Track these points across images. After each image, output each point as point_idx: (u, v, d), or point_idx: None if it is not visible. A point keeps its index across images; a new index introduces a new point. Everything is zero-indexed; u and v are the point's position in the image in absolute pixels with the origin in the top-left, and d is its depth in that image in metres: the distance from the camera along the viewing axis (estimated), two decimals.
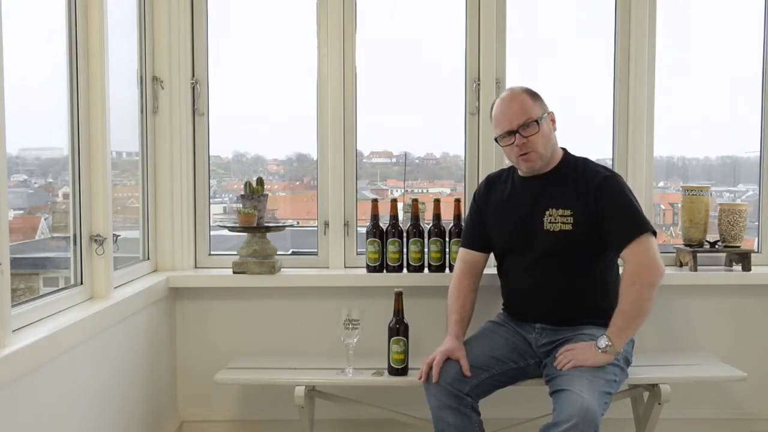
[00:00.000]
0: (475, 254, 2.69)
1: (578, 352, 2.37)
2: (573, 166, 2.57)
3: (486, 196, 2.70)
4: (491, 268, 2.77)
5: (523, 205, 2.57)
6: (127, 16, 2.90)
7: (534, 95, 2.53)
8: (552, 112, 2.56)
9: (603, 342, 2.35)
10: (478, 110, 3.13)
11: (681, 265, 3.12)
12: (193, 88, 3.12)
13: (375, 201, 3.02)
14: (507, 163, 2.74)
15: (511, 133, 2.49)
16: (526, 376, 2.55)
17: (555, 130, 2.57)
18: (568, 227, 2.48)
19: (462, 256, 2.72)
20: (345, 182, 3.16)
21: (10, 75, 1.84)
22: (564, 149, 2.62)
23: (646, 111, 3.16)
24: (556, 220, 2.50)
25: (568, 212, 2.49)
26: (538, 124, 2.48)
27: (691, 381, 2.79)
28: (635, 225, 2.44)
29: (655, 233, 2.46)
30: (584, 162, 2.59)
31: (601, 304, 2.50)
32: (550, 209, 2.51)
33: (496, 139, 2.57)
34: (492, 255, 2.74)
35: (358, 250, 3.19)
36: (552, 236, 2.49)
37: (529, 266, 2.54)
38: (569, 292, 2.51)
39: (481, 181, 2.81)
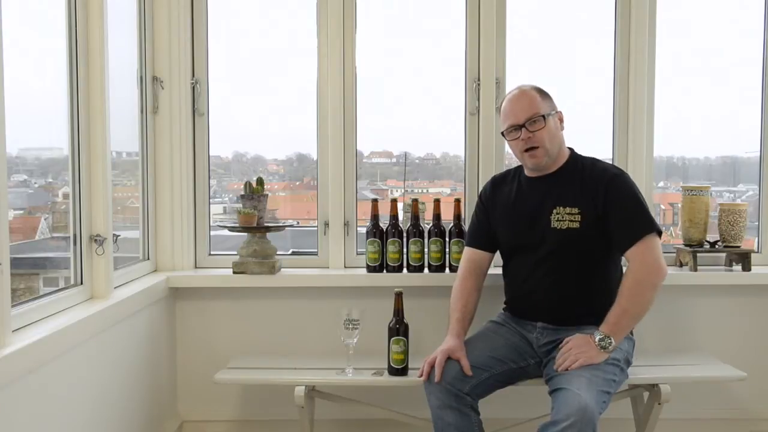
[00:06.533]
0: (481, 253, 2.70)
1: (582, 351, 2.36)
2: (580, 165, 2.58)
3: (492, 197, 2.71)
4: (493, 268, 2.77)
5: (530, 204, 2.58)
6: (127, 16, 2.89)
7: (543, 94, 2.56)
8: (560, 112, 2.58)
9: (599, 336, 2.37)
10: (478, 110, 3.12)
11: (681, 265, 3.12)
12: (193, 88, 3.12)
13: (375, 201, 3.02)
14: (508, 164, 2.74)
15: (518, 127, 2.51)
16: (527, 376, 2.55)
17: (562, 129, 2.59)
18: (576, 225, 2.49)
19: (467, 255, 2.72)
20: (345, 182, 3.16)
21: (10, 75, 1.84)
22: (571, 149, 2.63)
23: (646, 111, 3.16)
24: (564, 217, 2.51)
25: (575, 210, 2.50)
26: (544, 119, 2.49)
27: (691, 381, 2.78)
28: (642, 224, 2.46)
29: (660, 233, 2.49)
30: (592, 161, 2.61)
31: (603, 303, 2.49)
32: (558, 207, 2.52)
33: (503, 134, 2.58)
34: (495, 255, 2.75)
35: (358, 250, 3.18)
36: (559, 234, 2.50)
37: (535, 264, 2.55)
38: (573, 290, 2.51)
39: (485, 182, 2.81)
